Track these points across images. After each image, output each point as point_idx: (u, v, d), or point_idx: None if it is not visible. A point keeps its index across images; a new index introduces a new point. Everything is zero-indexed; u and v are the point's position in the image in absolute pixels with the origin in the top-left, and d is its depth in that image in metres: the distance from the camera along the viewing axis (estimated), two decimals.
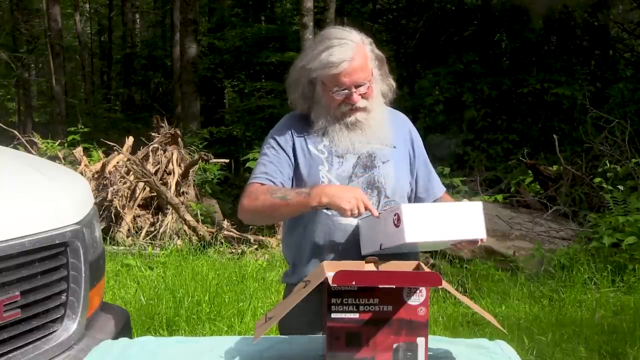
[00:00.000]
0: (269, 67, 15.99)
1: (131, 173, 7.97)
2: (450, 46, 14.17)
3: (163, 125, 8.76)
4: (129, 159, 8.07)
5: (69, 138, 10.90)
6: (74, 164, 8.58)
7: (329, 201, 1.99)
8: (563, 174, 8.13)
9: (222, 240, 7.22)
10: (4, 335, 1.95)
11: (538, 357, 4.02)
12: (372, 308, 1.61)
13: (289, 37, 15.81)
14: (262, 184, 2.13)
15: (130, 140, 8.82)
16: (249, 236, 7.28)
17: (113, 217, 7.73)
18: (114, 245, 7.24)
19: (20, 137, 9.67)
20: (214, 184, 9.97)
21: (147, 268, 6.28)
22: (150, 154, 8.43)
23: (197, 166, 8.89)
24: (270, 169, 2.15)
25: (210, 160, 9.13)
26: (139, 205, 7.96)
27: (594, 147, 8.39)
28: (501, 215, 7.33)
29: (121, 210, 7.73)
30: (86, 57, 21.30)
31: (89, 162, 8.77)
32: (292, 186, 2.17)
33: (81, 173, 7.81)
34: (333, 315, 1.61)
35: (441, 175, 10.13)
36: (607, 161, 7.93)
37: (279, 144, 2.18)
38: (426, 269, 1.81)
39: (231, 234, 7.38)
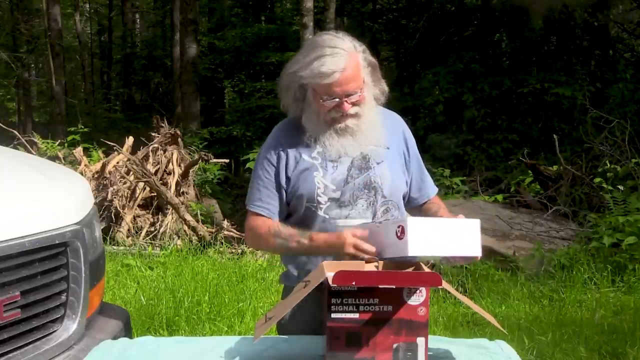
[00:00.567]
0: (269, 67, 16.00)
1: (131, 173, 7.97)
2: (450, 46, 14.17)
3: (163, 125, 8.76)
4: (129, 159, 8.07)
5: (69, 138, 10.90)
6: (74, 164, 8.57)
7: (329, 255, 2.06)
8: (563, 174, 8.13)
9: (222, 240, 7.22)
10: (4, 335, 1.95)
11: (538, 357, 4.02)
12: (372, 308, 1.61)
13: (289, 37, 15.82)
14: (260, 215, 2.19)
15: (130, 140, 8.82)
16: None
17: (113, 217, 7.73)
18: (114, 245, 7.24)
19: (20, 137, 9.67)
20: (214, 184, 9.97)
21: (147, 268, 6.28)
22: (150, 154, 8.42)
23: (197, 166, 8.89)
24: (265, 195, 2.19)
25: (210, 160, 9.13)
26: (139, 205, 7.96)
27: (594, 147, 8.39)
28: (501, 215, 7.33)
29: (121, 210, 7.73)
30: (86, 57, 21.31)
31: (89, 162, 8.76)
32: (288, 198, 2.18)
33: (81, 173, 7.81)
34: (333, 315, 1.61)
35: (441, 176, 10.04)
36: (607, 161, 7.93)
37: (270, 163, 2.19)
38: (426, 269, 1.81)
39: (231, 234, 7.38)
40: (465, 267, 6.01)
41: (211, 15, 19.35)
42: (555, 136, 8.84)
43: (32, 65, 22.41)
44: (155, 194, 7.91)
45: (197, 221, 7.61)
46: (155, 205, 7.98)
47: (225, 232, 7.37)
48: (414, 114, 12.97)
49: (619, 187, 7.00)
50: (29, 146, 9.44)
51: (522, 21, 13.12)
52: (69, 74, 20.07)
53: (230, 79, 17.39)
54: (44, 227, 2.08)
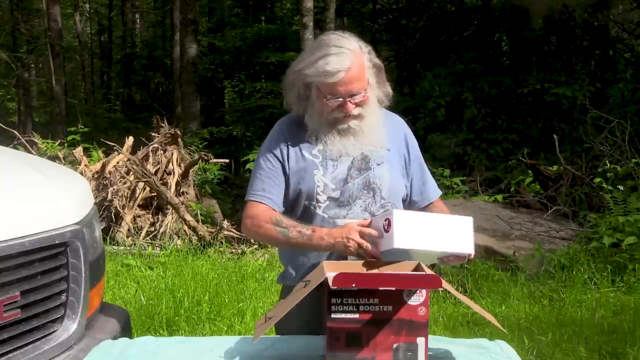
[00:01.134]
0: (269, 67, 16.00)
1: (131, 173, 7.97)
2: (450, 46, 14.18)
3: (163, 125, 8.76)
4: (129, 159, 8.07)
5: (69, 138, 10.90)
6: (74, 164, 8.57)
7: (330, 249, 2.05)
8: (563, 174, 8.13)
9: (222, 240, 7.22)
10: (4, 335, 1.95)
11: (538, 357, 4.02)
12: (372, 308, 1.61)
13: (289, 37, 15.81)
14: (262, 204, 2.16)
15: (130, 140, 8.82)
16: None
17: (113, 217, 7.73)
18: (114, 245, 7.24)
19: (20, 137, 9.67)
20: (214, 184, 9.97)
21: (147, 268, 6.28)
22: (150, 154, 8.42)
23: (197, 166, 8.89)
24: (267, 185, 2.16)
25: (210, 160, 9.13)
26: (139, 205, 7.96)
27: (594, 147, 8.39)
28: (501, 215, 7.33)
29: (121, 210, 7.73)
30: (86, 57, 21.30)
31: (89, 162, 8.76)
32: (288, 194, 2.17)
33: (81, 173, 7.81)
34: (333, 316, 1.61)
35: (441, 176, 10.04)
36: (607, 161, 7.93)
37: (274, 155, 2.18)
38: (426, 270, 1.80)
39: (231, 234, 7.38)
40: (465, 267, 6.01)
41: (211, 15, 19.35)
42: (555, 136, 8.85)
43: (32, 65, 22.42)
44: (155, 194, 7.91)
45: (197, 221, 7.61)
46: (155, 205, 7.98)
47: (225, 232, 7.37)
48: (414, 114, 12.98)
49: (619, 187, 7.00)
50: (29, 146, 9.44)
51: (522, 21, 13.12)
52: (69, 74, 20.07)
53: (230, 79, 17.40)
54: (44, 227, 2.08)
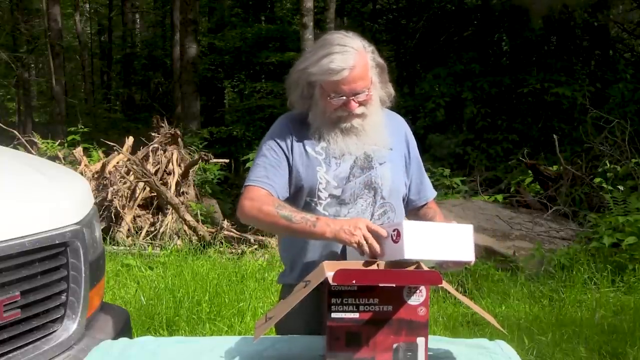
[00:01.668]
0: (269, 67, 16.00)
1: (131, 173, 7.97)
2: (450, 46, 14.18)
3: (163, 125, 8.76)
4: (129, 159, 8.07)
5: (69, 138, 10.90)
6: (74, 164, 8.57)
7: (333, 237, 2.00)
8: (563, 174, 8.13)
9: (222, 240, 7.22)
10: (4, 335, 1.95)
11: (538, 357, 4.02)
12: (372, 308, 1.61)
13: (289, 37, 15.81)
14: (263, 189, 2.12)
15: (130, 140, 8.82)
16: (249, 236, 7.28)
17: (113, 217, 7.73)
18: (114, 245, 7.24)
19: (20, 137, 9.67)
20: (214, 184, 9.97)
21: (147, 268, 6.28)
22: (150, 154, 8.42)
23: (197, 166, 8.88)
24: (271, 173, 2.14)
25: (210, 160, 9.12)
26: (139, 205, 7.96)
27: (594, 147, 8.39)
28: (501, 215, 7.33)
29: (121, 210, 7.72)
30: (86, 57, 21.29)
31: (89, 162, 8.76)
32: (290, 187, 2.17)
33: (81, 173, 7.81)
34: (333, 315, 1.61)
35: (441, 176, 10.02)
36: (607, 161, 7.93)
37: (278, 145, 2.17)
38: (426, 268, 1.81)
39: (231, 234, 7.38)
40: (465, 267, 5.99)
41: (211, 15, 19.35)
42: (555, 136, 8.85)
43: (32, 65, 22.42)
44: (155, 194, 7.91)
45: (197, 221, 7.61)
46: (155, 205, 7.98)
47: (225, 232, 7.37)
48: (414, 114, 12.98)
49: (619, 187, 7.00)
50: (29, 146, 9.44)
51: (522, 21, 13.12)
52: (69, 74, 20.07)
53: (230, 79, 17.40)
54: (44, 227, 2.08)
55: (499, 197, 8.61)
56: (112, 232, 7.51)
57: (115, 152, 8.35)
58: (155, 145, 8.50)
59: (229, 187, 11.40)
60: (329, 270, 1.68)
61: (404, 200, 2.29)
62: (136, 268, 6.24)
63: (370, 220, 2.12)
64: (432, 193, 2.38)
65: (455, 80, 12.46)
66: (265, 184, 2.12)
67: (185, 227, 7.56)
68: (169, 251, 6.88)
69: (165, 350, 1.81)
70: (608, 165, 7.82)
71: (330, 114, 2.13)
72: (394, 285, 1.61)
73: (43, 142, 10.09)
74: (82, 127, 11.43)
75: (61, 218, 2.18)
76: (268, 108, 14.20)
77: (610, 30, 14.05)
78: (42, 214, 2.13)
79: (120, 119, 18.98)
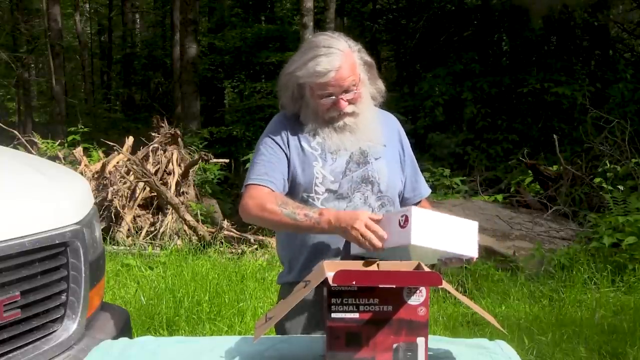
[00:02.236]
0: (269, 67, 15.99)
1: (131, 173, 7.97)
2: (450, 46, 14.17)
3: (163, 125, 8.76)
4: (129, 159, 8.07)
5: (69, 138, 10.90)
6: (74, 164, 8.57)
7: (336, 233, 2.04)
8: (563, 174, 8.13)
9: (222, 240, 7.22)
10: (4, 335, 1.95)
11: (538, 357, 4.02)
12: (372, 308, 1.61)
13: (289, 37, 15.82)
14: (264, 187, 2.13)
15: (130, 140, 8.82)
16: (249, 236, 7.28)
17: (113, 217, 7.73)
18: (114, 245, 7.24)
19: (20, 137, 9.67)
20: (214, 184, 9.97)
21: (147, 268, 6.28)
22: (150, 154, 8.42)
23: (197, 166, 8.89)
24: (270, 169, 2.16)
25: (210, 160, 9.13)
26: (139, 205, 7.96)
27: (594, 147, 8.40)
28: (501, 215, 7.34)
29: (121, 210, 7.72)
30: (86, 57, 21.28)
31: (89, 162, 8.76)
32: (288, 183, 2.17)
33: (81, 173, 7.80)
34: (333, 315, 1.61)
35: (441, 176, 10.01)
36: (607, 161, 7.94)
37: (275, 142, 2.20)
38: (426, 269, 1.80)
39: (231, 234, 7.38)
40: (465, 267, 6.01)
41: (211, 15, 19.34)
42: (555, 136, 8.85)
43: (32, 65, 22.40)
44: (155, 194, 7.91)
45: (197, 221, 7.61)
46: (155, 205, 7.98)
47: (225, 232, 7.37)
48: (414, 114, 12.99)
49: (619, 187, 7.00)
50: (29, 146, 9.44)
51: (522, 21, 13.12)
52: (69, 74, 20.07)
53: (230, 79, 17.39)
54: (44, 227, 2.08)
55: (499, 197, 8.61)
56: (112, 232, 7.51)
57: (115, 152, 8.35)
58: (155, 145, 8.50)
59: (229, 187, 11.40)
60: (329, 270, 1.68)
61: (399, 196, 2.31)
62: (136, 268, 6.24)
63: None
64: (426, 190, 2.41)
65: (455, 80, 12.47)
66: (266, 181, 2.14)
67: (185, 227, 7.56)
68: (169, 251, 6.88)
69: (165, 350, 1.81)
70: (608, 165, 7.82)
71: (322, 114, 2.16)
72: (394, 286, 1.61)
73: (43, 142, 10.09)
74: (82, 127, 11.42)
75: (61, 218, 2.18)
76: (268, 108, 14.20)
77: (610, 30, 14.05)
78: (42, 213, 2.13)
79: (120, 119, 18.98)
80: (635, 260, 5.67)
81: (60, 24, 15.53)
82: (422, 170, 2.46)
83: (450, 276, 5.78)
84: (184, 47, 13.80)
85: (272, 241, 7.09)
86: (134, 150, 8.72)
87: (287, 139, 2.19)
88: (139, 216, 7.90)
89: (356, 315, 1.61)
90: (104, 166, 8.24)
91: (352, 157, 2.18)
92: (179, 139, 8.77)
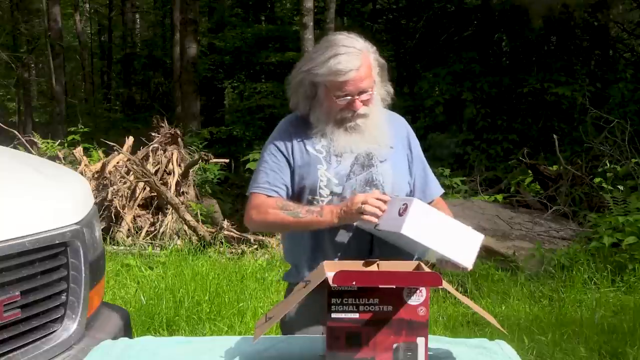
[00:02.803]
0: (269, 67, 16.00)
1: (131, 173, 7.97)
2: (450, 46, 14.17)
3: (163, 125, 8.76)
4: (129, 159, 8.07)
5: (69, 138, 10.89)
6: (74, 164, 8.57)
7: (338, 220, 2.06)
8: (563, 174, 8.13)
9: (222, 240, 7.22)
10: (4, 335, 1.95)
11: (538, 357, 4.02)
12: (372, 308, 1.61)
13: (289, 37, 15.81)
14: (268, 196, 2.17)
15: (130, 140, 8.82)
16: (249, 236, 7.28)
17: (113, 217, 7.73)
18: (114, 245, 7.24)
19: (20, 137, 9.67)
20: (214, 184, 9.97)
21: (147, 268, 6.28)
22: (150, 154, 8.42)
23: (197, 166, 8.89)
24: (272, 178, 2.18)
25: (210, 160, 9.13)
26: (139, 205, 7.96)
27: (594, 147, 8.40)
28: (501, 215, 7.33)
29: (121, 210, 7.73)
30: (86, 57, 21.28)
31: (89, 162, 8.76)
32: (292, 188, 2.19)
33: (81, 173, 7.80)
34: (333, 315, 1.61)
35: (441, 176, 10.04)
36: (607, 161, 7.94)
37: (278, 149, 2.21)
38: (426, 269, 1.80)
39: (231, 234, 7.38)
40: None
41: (211, 15, 19.33)
42: (555, 136, 8.85)
43: (32, 65, 22.38)
44: (155, 194, 7.91)
45: (197, 221, 7.61)
46: (155, 205, 7.98)
47: (225, 232, 7.37)
48: (413, 114, 12.98)
49: (619, 187, 7.01)
50: (29, 146, 9.44)
51: (522, 21, 13.11)
52: (69, 74, 20.08)
53: (230, 79, 17.39)
54: (44, 227, 2.08)
55: (499, 197, 8.60)
56: (112, 232, 7.51)
57: (115, 152, 8.35)
58: (155, 145, 8.50)
59: (229, 187, 11.40)
60: (329, 271, 1.68)
61: None
62: (136, 268, 6.24)
63: None
64: (437, 191, 2.40)
65: (455, 80, 12.46)
66: (268, 190, 2.18)
67: (185, 227, 7.56)
68: (169, 251, 6.88)
69: (165, 350, 1.81)
70: (608, 165, 7.82)
71: (335, 114, 2.16)
72: (394, 286, 1.61)
73: (43, 142, 10.08)
74: (82, 127, 11.43)
75: (61, 218, 2.18)
76: (268, 108, 14.21)
77: (610, 30, 14.04)
78: (42, 213, 2.13)
79: (121, 119, 18.99)
80: (635, 260, 5.68)
81: (60, 24, 15.53)
82: None
83: (451, 276, 5.78)
84: (184, 47, 13.79)
85: (272, 241, 7.09)
86: (134, 150, 8.72)
87: (291, 144, 2.21)
88: (139, 216, 7.90)
89: (356, 315, 1.61)
90: (104, 166, 8.24)
91: (357, 160, 2.19)
92: (179, 139, 8.77)
